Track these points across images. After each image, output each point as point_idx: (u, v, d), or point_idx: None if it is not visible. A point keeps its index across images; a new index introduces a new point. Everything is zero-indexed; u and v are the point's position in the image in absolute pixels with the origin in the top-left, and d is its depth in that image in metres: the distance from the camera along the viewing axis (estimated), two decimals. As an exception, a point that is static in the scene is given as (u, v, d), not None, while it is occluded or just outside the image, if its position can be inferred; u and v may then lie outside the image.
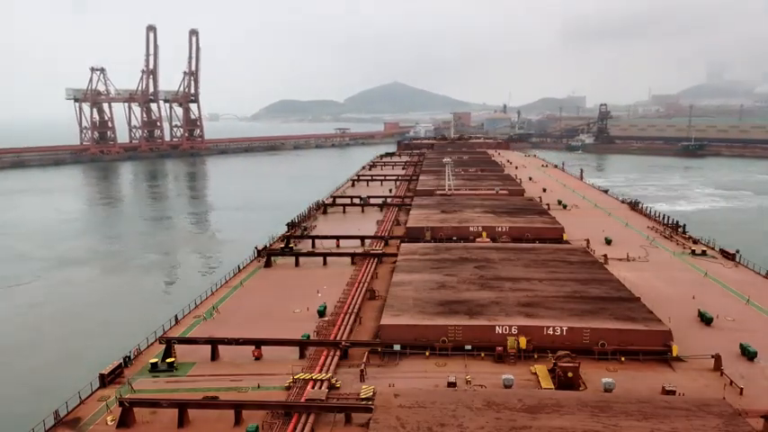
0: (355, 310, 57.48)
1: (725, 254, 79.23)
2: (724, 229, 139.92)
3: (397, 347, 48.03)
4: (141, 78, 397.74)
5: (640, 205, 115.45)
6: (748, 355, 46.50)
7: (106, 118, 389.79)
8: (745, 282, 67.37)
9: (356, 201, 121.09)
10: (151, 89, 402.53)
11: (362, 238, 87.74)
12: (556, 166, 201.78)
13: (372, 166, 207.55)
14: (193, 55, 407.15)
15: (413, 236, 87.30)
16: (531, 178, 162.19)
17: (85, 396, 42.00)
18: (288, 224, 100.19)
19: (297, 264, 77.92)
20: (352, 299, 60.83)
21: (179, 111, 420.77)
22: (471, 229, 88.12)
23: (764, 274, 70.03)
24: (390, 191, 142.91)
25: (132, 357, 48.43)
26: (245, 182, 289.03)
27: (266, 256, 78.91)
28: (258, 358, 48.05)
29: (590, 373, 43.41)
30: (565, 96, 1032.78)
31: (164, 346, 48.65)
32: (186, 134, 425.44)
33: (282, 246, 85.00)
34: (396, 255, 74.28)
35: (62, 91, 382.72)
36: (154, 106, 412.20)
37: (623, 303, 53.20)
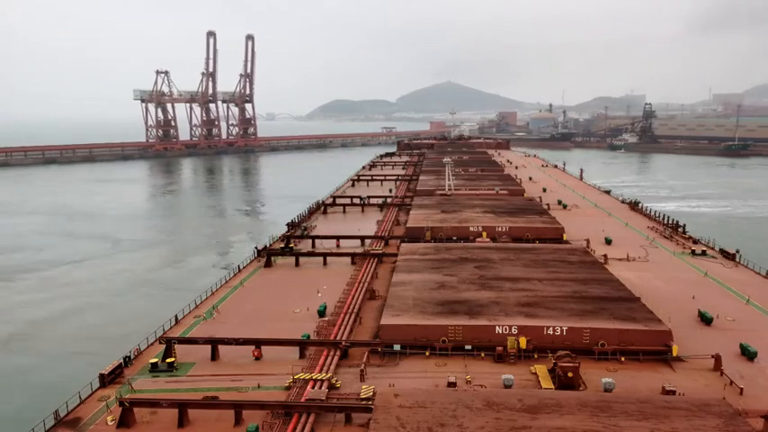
0: (355, 310, 57.48)
1: (725, 254, 79.23)
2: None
3: (397, 347, 48.03)
4: (201, 81, 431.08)
5: (640, 205, 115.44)
6: (748, 355, 46.50)
7: (169, 117, 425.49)
8: (745, 282, 67.37)
9: (356, 201, 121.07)
10: (210, 90, 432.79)
11: (362, 238, 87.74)
12: (556, 166, 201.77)
13: (372, 166, 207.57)
14: (249, 58, 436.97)
15: (413, 236, 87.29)
16: (531, 178, 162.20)
17: (85, 396, 42.00)
18: (288, 224, 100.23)
19: (297, 264, 77.92)
20: (353, 299, 60.83)
21: (235, 110, 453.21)
22: (471, 229, 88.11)
23: (764, 274, 70.05)
24: (390, 191, 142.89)
25: (132, 357, 48.44)
26: (292, 176, 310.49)
27: (266, 256, 78.91)
28: (258, 358, 48.05)
29: (590, 373, 43.41)
30: (623, 95, 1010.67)
31: (164, 346, 48.65)
32: (241, 132, 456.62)
33: (282, 246, 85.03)
34: (396, 255, 74.27)
35: (127, 92, 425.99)
36: (212, 106, 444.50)
37: (623, 303, 53.19)
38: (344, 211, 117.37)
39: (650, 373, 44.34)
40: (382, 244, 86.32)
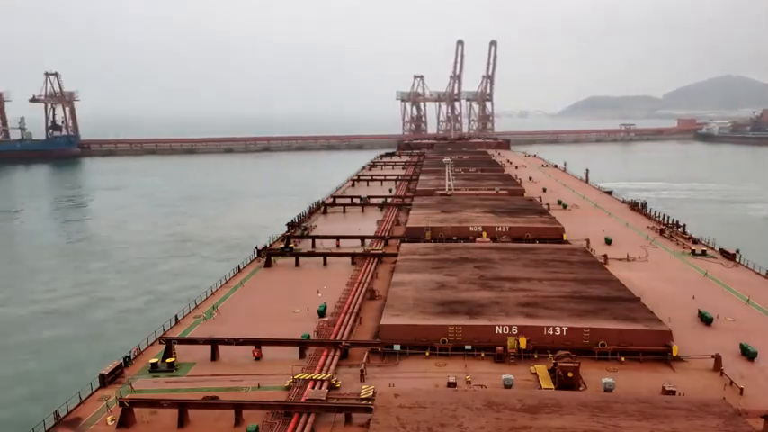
0: (355, 310, 57.47)
1: (725, 254, 79.21)
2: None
3: (397, 347, 48.03)
4: (449, 83, 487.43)
5: (640, 205, 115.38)
6: (748, 355, 46.50)
7: (421, 114, 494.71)
8: (745, 282, 67.36)
9: (356, 201, 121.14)
10: (455, 91, 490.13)
11: (362, 238, 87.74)
12: (556, 166, 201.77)
13: (372, 166, 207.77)
14: (491, 62, 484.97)
15: (413, 236, 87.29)
16: (531, 178, 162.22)
17: (85, 396, 42.00)
18: (288, 224, 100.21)
19: (297, 264, 77.93)
20: (353, 299, 60.83)
21: (476, 108, 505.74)
22: (471, 229, 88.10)
23: (764, 274, 70.03)
24: (390, 191, 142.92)
25: (132, 357, 48.45)
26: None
27: (266, 256, 78.92)
28: (258, 358, 48.05)
29: (590, 373, 43.42)
30: None
31: (164, 346, 48.65)
32: (480, 127, 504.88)
33: (282, 246, 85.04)
34: (396, 255, 74.27)
35: (391, 92, 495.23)
36: (457, 104, 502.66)
37: (623, 303, 53.19)
38: (344, 211, 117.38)
39: (650, 373, 44.33)
40: (382, 244, 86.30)
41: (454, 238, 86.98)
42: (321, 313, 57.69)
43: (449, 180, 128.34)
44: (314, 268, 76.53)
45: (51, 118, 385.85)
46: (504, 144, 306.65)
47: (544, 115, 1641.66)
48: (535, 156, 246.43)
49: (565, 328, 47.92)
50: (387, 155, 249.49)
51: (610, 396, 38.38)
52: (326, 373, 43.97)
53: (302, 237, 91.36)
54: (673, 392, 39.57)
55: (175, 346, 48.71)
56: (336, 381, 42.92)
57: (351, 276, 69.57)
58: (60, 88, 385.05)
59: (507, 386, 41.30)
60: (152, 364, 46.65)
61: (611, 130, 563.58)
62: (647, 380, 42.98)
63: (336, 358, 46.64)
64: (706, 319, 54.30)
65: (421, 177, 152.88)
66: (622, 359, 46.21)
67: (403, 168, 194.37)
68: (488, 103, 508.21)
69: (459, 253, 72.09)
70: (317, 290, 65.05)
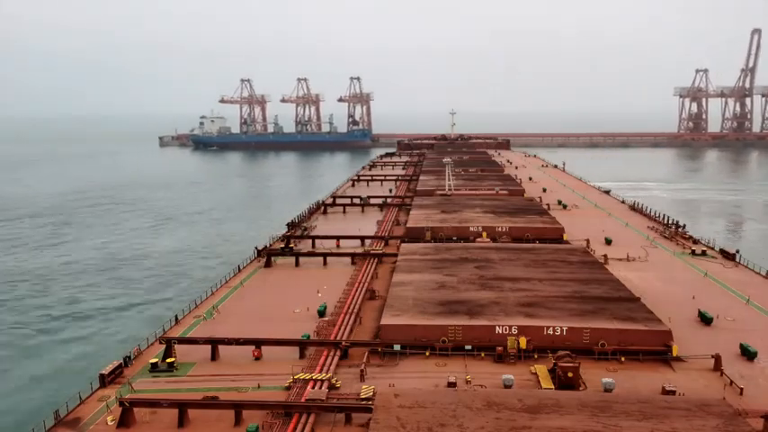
0: (355, 310, 57.47)
1: (725, 254, 79.19)
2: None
3: (397, 347, 48.03)
4: (740, 77, 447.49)
5: (640, 205, 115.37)
6: (748, 355, 46.52)
7: (702, 111, 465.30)
8: (745, 282, 67.36)
9: (356, 201, 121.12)
10: (747, 85, 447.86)
11: (362, 238, 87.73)
12: (556, 167, 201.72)
13: (372, 166, 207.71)
14: None
15: (413, 236, 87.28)
16: (531, 178, 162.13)
17: (85, 396, 42.01)
18: (288, 224, 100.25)
19: (297, 264, 77.93)
20: (353, 299, 60.82)
21: None
22: (471, 229, 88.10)
23: (764, 274, 70.03)
24: (390, 191, 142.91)
25: (132, 357, 48.46)
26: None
27: (266, 256, 78.92)
28: (258, 358, 48.07)
29: (590, 373, 43.39)
30: None
31: (164, 346, 48.66)
32: None
33: (282, 246, 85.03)
34: (396, 255, 74.26)
35: (666, 87, 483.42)
36: (748, 100, 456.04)
37: (623, 303, 53.19)
38: (344, 211, 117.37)
39: (650, 373, 44.34)
40: (382, 244, 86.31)
41: (454, 238, 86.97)
42: (321, 313, 57.69)
43: (449, 180, 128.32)
44: (314, 268, 76.52)
45: (352, 115, 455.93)
46: (504, 144, 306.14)
47: None
48: (535, 156, 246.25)
49: (565, 328, 47.93)
50: (387, 155, 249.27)
51: (610, 396, 38.39)
52: (326, 373, 43.98)
53: (302, 237, 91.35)
54: (673, 392, 39.57)
55: (175, 346, 48.70)
56: (336, 381, 42.92)
57: (351, 276, 69.57)
58: (360, 90, 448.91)
59: (507, 386, 41.31)
60: (152, 364, 46.67)
61: None
62: (647, 380, 42.98)
63: (336, 358, 46.65)
64: (706, 319, 54.31)
65: (421, 177, 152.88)
66: (622, 359, 46.21)
67: (403, 168, 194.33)
68: None
69: (459, 253, 72.09)
70: (317, 290, 65.05)
